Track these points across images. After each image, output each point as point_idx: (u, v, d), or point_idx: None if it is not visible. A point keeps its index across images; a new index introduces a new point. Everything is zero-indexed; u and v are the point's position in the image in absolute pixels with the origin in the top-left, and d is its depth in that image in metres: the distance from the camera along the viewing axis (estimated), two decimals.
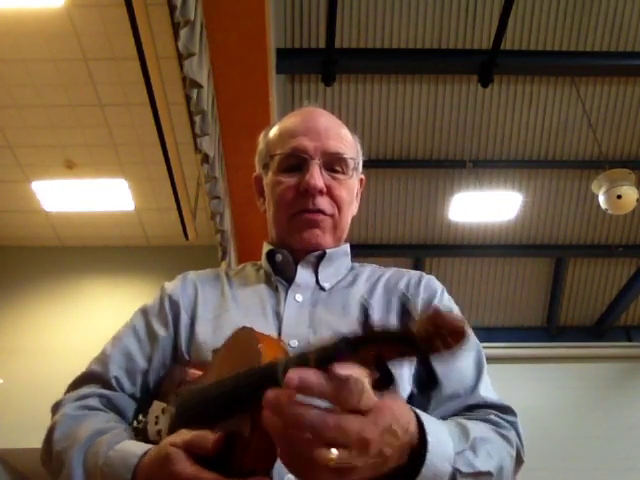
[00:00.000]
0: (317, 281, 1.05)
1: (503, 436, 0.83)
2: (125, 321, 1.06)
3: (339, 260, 1.10)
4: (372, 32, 5.23)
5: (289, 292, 1.02)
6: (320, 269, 1.06)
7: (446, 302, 1.05)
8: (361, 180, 1.18)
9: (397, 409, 0.62)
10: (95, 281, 6.08)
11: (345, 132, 1.12)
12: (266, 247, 1.12)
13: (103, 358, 0.98)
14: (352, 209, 1.13)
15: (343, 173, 1.08)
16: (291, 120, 1.12)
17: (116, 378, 0.95)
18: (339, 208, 1.07)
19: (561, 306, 7.37)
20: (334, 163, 1.07)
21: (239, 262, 4.99)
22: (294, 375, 0.56)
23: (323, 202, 1.05)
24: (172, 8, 3.04)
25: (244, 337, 0.75)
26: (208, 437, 0.69)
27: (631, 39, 5.33)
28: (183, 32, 2.99)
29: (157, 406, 0.87)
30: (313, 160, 1.04)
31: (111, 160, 5.37)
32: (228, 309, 1.00)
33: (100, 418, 0.89)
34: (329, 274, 1.06)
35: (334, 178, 1.07)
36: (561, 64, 5.40)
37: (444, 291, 1.08)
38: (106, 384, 0.95)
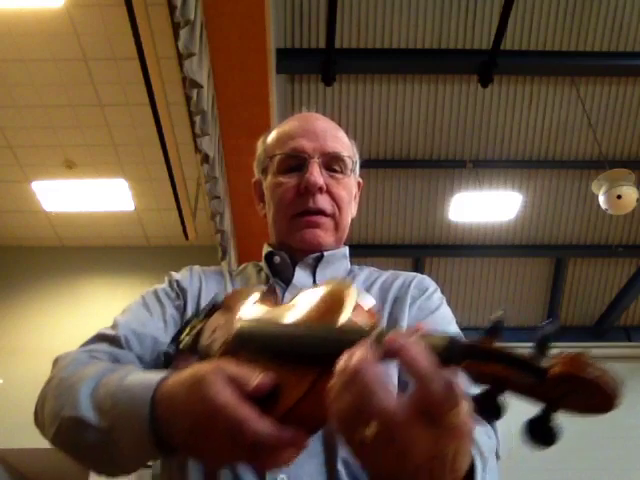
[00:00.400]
0: (314, 283, 1.04)
1: (490, 437, 0.82)
2: None
3: (337, 262, 1.10)
4: (372, 32, 5.23)
5: (286, 293, 1.02)
6: (318, 271, 1.06)
7: (436, 301, 1.03)
8: (359, 184, 1.19)
9: (465, 444, 0.49)
10: (95, 281, 6.08)
11: (342, 134, 1.15)
12: (266, 248, 1.13)
13: (113, 324, 0.96)
14: (351, 210, 1.14)
15: (342, 172, 1.10)
16: (289, 124, 1.14)
17: (125, 337, 0.92)
18: (339, 207, 1.08)
19: (561, 306, 7.38)
20: (332, 162, 1.08)
21: (239, 262, 4.99)
22: (400, 338, 0.49)
23: (323, 201, 1.06)
24: (172, 8, 3.04)
25: (339, 291, 0.67)
26: (253, 375, 0.61)
27: (631, 39, 5.33)
28: (183, 32, 2.99)
29: (217, 319, 0.84)
30: (312, 159, 1.06)
31: (111, 160, 5.38)
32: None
33: (110, 363, 0.85)
34: (326, 276, 1.06)
35: (333, 177, 1.08)
36: (561, 64, 5.40)
37: (437, 290, 1.06)
38: (115, 342, 0.91)
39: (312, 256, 1.07)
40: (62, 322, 5.76)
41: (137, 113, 4.84)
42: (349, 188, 1.12)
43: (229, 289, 1.05)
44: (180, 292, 1.03)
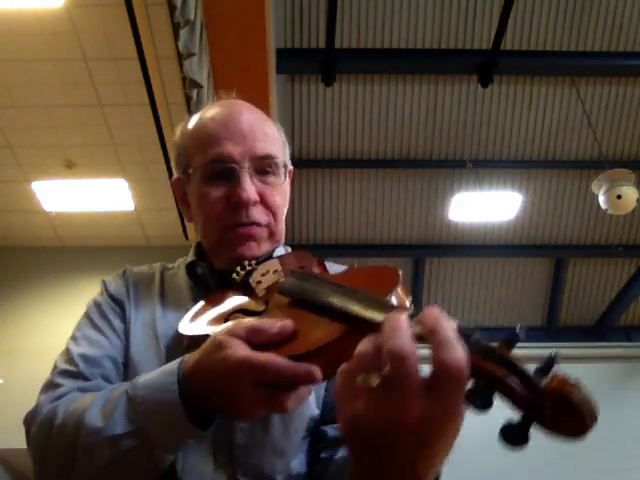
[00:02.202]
0: None
1: None
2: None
3: None
4: (372, 32, 5.23)
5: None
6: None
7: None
8: (291, 172, 1.08)
9: (455, 425, 0.51)
10: (95, 281, 6.01)
11: (270, 128, 1.03)
12: (190, 257, 1.05)
13: (69, 356, 0.92)
14: (286, 207, 1.06)
15: (275, 175, 1.00)
16: (210, 120, 1.01)
17: (86, 370, 0.89)
18: (274, 215, 0.99)
19: (561, 306, 7.38)
20: (264, 166, 0.98)
21: None
22: (437, 312, 0.51)
23: (257, 212, 0.97)
24: (172, 8, 3.05)
25: (387, 275, 0.71)
26: (274, 323, 0.66)
27: (631, 39, 5.33)
28: (183, 32, 3.00)
29: (273, 264, 0.88)
30: (242, 168, 0.95)
31: (111, 160, 5.37)
32: (154, 324, 0.96)
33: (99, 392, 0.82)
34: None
35: (266, 183, 0.98)
36: (561, 64, 5.40)
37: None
38: (79, 376, 0.88)
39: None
40: (62, 322, 5.73)
41: (137, 113, 4.84)
42: (283, 191, 1.03)
43: (155, 303, 1.00)
44: (118, 304, 1.00)
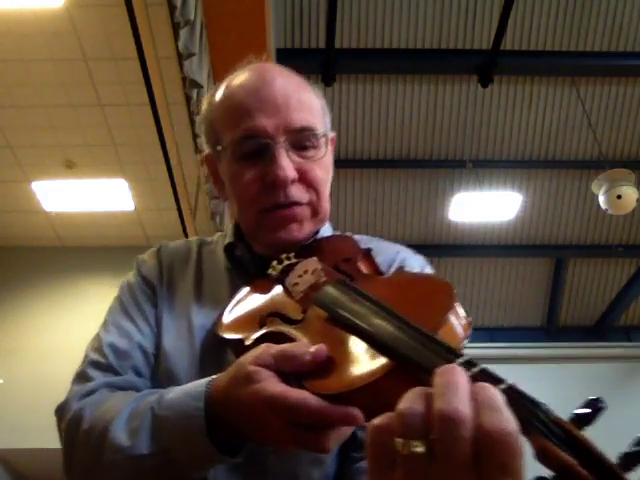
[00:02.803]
0: None
1: None
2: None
3: None
4: (372, 32, 5.23)
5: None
6: None
7: (411, 262, 0.95)
8: (332, 140, 0.98)
9: None
10: (95, 281, 6.08)
11: (307, 94, 0.92)
12: (229, 237, 0.97)
13: (99, 345, 0.87)
14: (330, 180, 0.96)
15: (315, 148, 0.89)
16: (238, 88, 0.89)
17: (115, 362, 0.85)
18: (317, 191, 0.89)
19: (561, 306, 7.37)
20: (302, 140, 0.88)
21: None
22: (489, 388, 0.43)
23: (297, 191, 0.87)
24: (172, 8, 3.05)
25: (440, 289, 0.64)
26: (305, 349, 0.59)
27: (631, 39, 5.33)
28: (183, 32, 3.00)
29: (312, 263, 0.80)
30: (277, 143, 0.85)
31: (111, 160, 5.37)
32: (188, 313, 0.90)
33: (128, 393, 0.79)
34: None
35: (305, 157, 0.88)
36: (561, 64, 5.40)
37: (404, 253, 0.97)
38: (108, 369, 0.84)
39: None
40: (62, 322, 5.76)
41: (137, 113, 4.84)
42: (325, 165, 0.92)
43: (190, 284, 0.94)
44: (151, 287, 0.95)
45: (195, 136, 3.77)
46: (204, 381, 0.68)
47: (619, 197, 4.64)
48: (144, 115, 4.56)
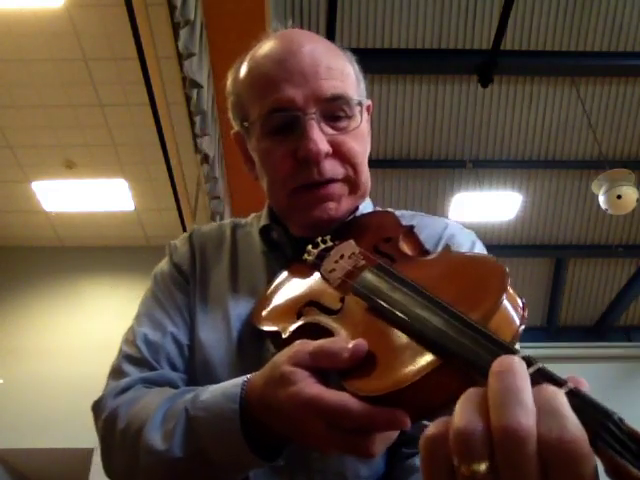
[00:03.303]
0: None
1: None
2: (132, 314, 0.96)
3: None
4: (372, 32, 5.23)
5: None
6: None
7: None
8: (368, 108, 0.93)
9: None
10: (95, 281, 6.08)
11: (337, 60, 0.85)
12: (264, 219, 0.93)
13: (132, 337, 0.85)
14: (367, 152, 0.91)
15: (348, 117, 0.83)
16: (263, 59, 0.84)
17: (150, 356, 0.82)
18: (353, 165, 0.84)
19: (561, 306, 7.38)
20: (335, 110, 0.82)
21: None
22: (551, 390, 0.39)
23: (332, 166, 0.81)
24: (172, 8, 3.04)
25: (492, 271, 0.58)
26: (343, 344, 0.55)
27: (631, 39, 5.33)
28: (183, 32, 2.99)
29: (349, 246, 0.75)
30: (307, 115, 0.79)
31: (111, 160, 5.37)
32: (224, 301, 0.86)
33: (162, 390, 0.76)
34: None
35: (339, 129, 0.82)
36: (561, 64, 5.40)
37: (452, 229, 0.93)
38: (142, 364, 0.81)
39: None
40: (62, 322, 5.76)
41: (137, 113, 4.84)
42: (362, 135, 0.87)
43: (224, 268, 0.91)
44: (183, 275, 0.91)
45: (195, 136, 3.77)
46: (240, 380, 0.65)
47: (619, 197, 4.64)
48: (144, 115, 4.56)
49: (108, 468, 0.77)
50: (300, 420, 0.56)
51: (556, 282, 7.17)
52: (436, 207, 6.55)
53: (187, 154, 4.70)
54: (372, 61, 5.32)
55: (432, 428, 0.40)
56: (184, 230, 4.87)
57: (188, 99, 3.52)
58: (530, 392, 0.39)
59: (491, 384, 0.39)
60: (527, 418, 0.37)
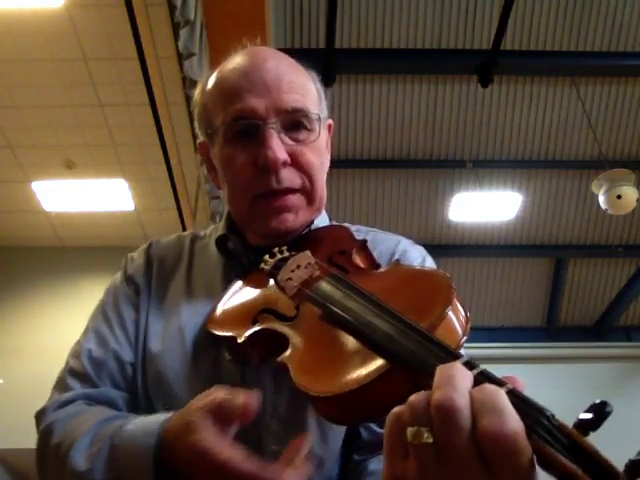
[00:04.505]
0: None
1: None
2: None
3: None
4: (372, 32, 5.23)
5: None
6: None
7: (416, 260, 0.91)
8: (329, 127, 0.95)
9: None
10: (95, 281, 6.06)
11: (299, 76, 0.90)
12: (221, 229, 0.94)
13: (77, 352, 0.86)
14: (325, 167, 0.92)
15: (308, 130, 0.86)
16: (230, 72, 0.88)
17: (93, 372, 0.84)
18: (310, 177, 0.86)
19: (561, 306, 7.37)
20: (295, 122, 0.85)
21: None
22: (492, 390, 0.43)
23: (289, 175, 0.84)
24: (172, 8, 3.05)
25: (439, 285, 0.61)
26: (237, 399, 0.59)
27: (631, 39, 5.33)
28: (183, 32, 3.00)
29: (305, 257, 0.77)
30: (267, 124, 0.82)
31: (111, 160, 5.37)
32: (179, 312, 0.87)
33: (98, 410, 0.79)
34: None
35: (298, 141, 0.85)
36: (561, 64, 5.40)
37: (404, 244, 0.94)
38: (85, 379, 0.83)
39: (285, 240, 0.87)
40: (62, 322, 5.75)
41: (137, 113, 4.84)
42: (319, 148, 0.89)
43: (180, 282, 0.91)
44: (135, 288, 0.92)
45: (195, 136, 3.77)
46: (162, 417, 0.67)
47: (619, 197, 4.64)
48: (144, 115, 4.56)
49: (43, 477, 0.79)
50: (198, 467, 0.60)
51: (556, 282, 7.16)
52: (436, 207, 6.55)
53: (187, 154, 4.70)
54: (372, 61, 5.33)
55: (398, 407, 0.45)
56: (184, 230, 4.87)
57: (188, 99, 3.53)
58: (467, 383, 0.43)
59: (436, 375, 0.44)
60: (460, 397, 0.42)
